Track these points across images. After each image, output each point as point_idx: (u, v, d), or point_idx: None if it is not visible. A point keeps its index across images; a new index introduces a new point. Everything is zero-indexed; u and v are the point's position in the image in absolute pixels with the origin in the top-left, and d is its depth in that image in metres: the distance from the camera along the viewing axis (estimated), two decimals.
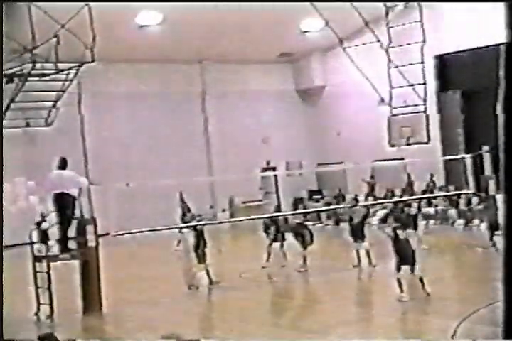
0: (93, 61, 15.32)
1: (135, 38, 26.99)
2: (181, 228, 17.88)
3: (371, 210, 23.40)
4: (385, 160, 26.48)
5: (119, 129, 29.45)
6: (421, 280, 13.55)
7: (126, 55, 27.77)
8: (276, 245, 17.95)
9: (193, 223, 17.35)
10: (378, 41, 22.48)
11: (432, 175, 28.26)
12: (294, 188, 32.23)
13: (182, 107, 31.18)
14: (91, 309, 13.87)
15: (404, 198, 23.84)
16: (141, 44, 27.36)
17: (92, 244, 14.09)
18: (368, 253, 17.44)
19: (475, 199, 24.99)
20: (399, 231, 13.88)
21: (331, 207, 26.59)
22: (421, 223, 20.52)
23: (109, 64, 26.29)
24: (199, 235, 16.17)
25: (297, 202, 31.21)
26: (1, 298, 8.46)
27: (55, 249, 14.07)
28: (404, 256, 13.60)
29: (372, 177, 30.46)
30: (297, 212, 21.36)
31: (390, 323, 12.23)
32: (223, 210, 29.59)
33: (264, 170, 31.64)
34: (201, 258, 15.97)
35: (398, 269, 13.60)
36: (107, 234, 13.98)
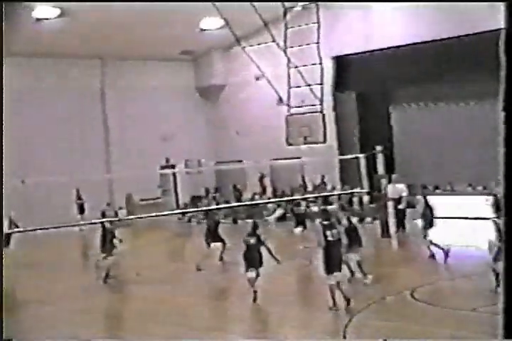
0: None
1: (31, 31, 26.31)
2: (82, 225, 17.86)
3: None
4: (283, 159, 26.93)
5: (14, 126, 28.66)
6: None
7: (22, 48, 27.00)
8: None
9: (95, 220, 17.42)
10: (274, 41, 22.84)
11: (323, 176, 28.78)
12: (193, 186, 32.27)
13: (81, 103, 30.66)
14: None
15: (295, 197, 24.13)
16: (38, 38, 26.72)
17: None
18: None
19: (366, 198, 25.69)
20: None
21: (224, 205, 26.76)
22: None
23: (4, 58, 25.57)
24: (104, 229, 16.34)
25: (195, 200, 31.32)
26: (1, 298, 8.17)
27: None
28: (253, 259, 13.32)
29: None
30: (191, 210, 21.43)
31: None
32: (120, 208, 29.26)
33: (163, 167, 31.53)
34: (108, 251, 16.09)
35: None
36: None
